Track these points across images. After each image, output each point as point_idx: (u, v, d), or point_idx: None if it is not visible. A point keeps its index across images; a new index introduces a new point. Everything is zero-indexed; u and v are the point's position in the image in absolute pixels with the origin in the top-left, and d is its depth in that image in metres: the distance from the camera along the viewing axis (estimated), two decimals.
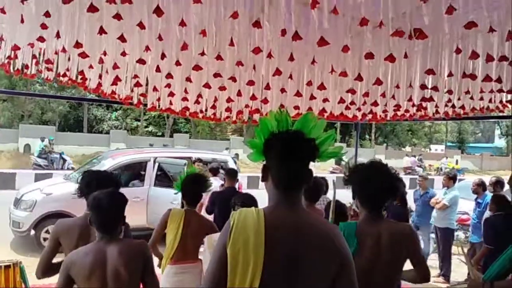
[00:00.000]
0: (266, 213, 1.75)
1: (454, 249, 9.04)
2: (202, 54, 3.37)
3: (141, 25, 2.95)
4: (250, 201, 3.76)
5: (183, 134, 30.81)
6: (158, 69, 3.71)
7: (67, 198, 8.21)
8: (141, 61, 3.33)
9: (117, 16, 2.79)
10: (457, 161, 38.75)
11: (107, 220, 2.55)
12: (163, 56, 3.42)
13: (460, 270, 8.14)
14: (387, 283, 2.56)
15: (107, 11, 2.90)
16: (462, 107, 5.00)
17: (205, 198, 6.34)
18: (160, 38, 3.08)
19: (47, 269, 2.87)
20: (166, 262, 3.56)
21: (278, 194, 1.81)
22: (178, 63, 3.73)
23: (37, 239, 8.53)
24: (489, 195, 7.63)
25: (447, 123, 47.20)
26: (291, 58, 3.29)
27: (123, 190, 2.93)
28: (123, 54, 3.32)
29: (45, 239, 8.22)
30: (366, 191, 2.58)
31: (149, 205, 8.83)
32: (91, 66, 4.00)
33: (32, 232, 8.65)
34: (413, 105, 4.42)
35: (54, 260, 2.90)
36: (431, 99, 4.41)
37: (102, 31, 2.90)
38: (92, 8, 2.66)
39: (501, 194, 6.42)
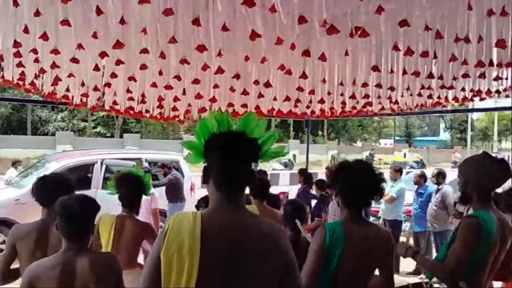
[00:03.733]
0: (204, 216, 1.71)
1: (402, 239, 9.38)
2: (143, 52, 3.26)
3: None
4: None
5: (133, 134, 30.11)
6: (96, 68, 3.56)
7: (9, 205, 7.80)
8: (75, 60, 3.19)
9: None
10: (405, 154, 40.22)
11: (78, 228, 2.31)
12: (103, 54, 3.28)
13: (408, 260, 8.41)
14: (365, 285, 2.52)
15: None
16: (406, 103, 5.16)
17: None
18: (95, 36, 2.95)
19: (5, 277, 2.72)
20: None
21: (219, 196, 1.77)
22: (119, 62, 3.60)
23: None
24: (431, 186, 7.94)
25: (395, 118, 48.95)
26: (239, 56, 3.27)
27: None
28: (55, 52, 3.14)
29: None
30: (353, 191, 2.51)
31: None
32: (20, 64, 3.77)
33: None
34: (358, 102, 4.50)
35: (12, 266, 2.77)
36: (385, 97, 4.52)
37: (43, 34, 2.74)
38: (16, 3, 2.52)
39: None
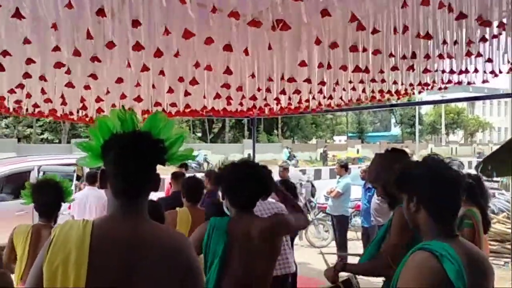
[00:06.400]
0: (96, 225, 1.54)
1: (353, 234, 9.48)
2: (55, 49, 3.02)
3: None
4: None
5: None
6: (1, 68, 3.27)
7: None
8: None
9: None
10: (358, 150, 41.10)
11: None
12: (4, 53, 3.01)
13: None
14: (262, 279, 2.50)
15: None
16: (341, 98, 5.15)
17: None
18: None
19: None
20: (18, 283, 3.18)
21: (116, 203, 1.61)
22: (30, 61, 3.33)
23: None
24: None
25: (347, 114, 49.99)
26: (158, 53, 3.09)
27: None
28: None
29: None
30: (236, 190, 2.51)
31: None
32: None
33: None
34: (290, 98, 4.44)
35: None
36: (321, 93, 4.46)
37: None
38: None
39: None
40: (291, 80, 3.61)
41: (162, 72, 3.66)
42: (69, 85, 3.57)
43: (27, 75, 3.60)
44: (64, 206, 3.99)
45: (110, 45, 2.80)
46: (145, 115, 4.93)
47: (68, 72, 3.26)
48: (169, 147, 1.66)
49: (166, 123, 1.68)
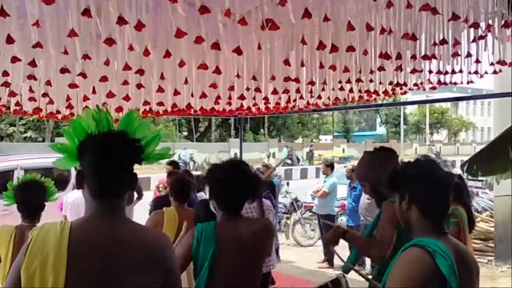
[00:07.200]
0: (74, 227, 1.53)
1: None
2: (36, 46, 2.96)
3: None
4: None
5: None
6: None
7: None
8: None
9: None
10: (343, 149, 41.35)
11: None
12: None
13: (344, 254, 8.58)
14: (251, 281, 2.50)
15: None
16: (328, 97, 5.17)
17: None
18: None
19: None
20: (2, 284, 3.12)
21: (94, 204, 1.60)
22: (16, 59, 3.27)
23: None
24: None
25: (333, 113, 50.27)
26: (146, 52, 3.06)
27: None
28: None
29: None
30: (222, 191, 2.48)
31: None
32: None
33: None
34: (280, 98, 4.44)
35: None
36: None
37: None
38: None
39: None
40: (287, 79, 3.59)
41: (141, 71, 3.61)
42: (48, 83, 3.50)
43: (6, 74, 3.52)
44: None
45: (109, 42, 2.74)
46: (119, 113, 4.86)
47: (64, 71, 3.18)
48: (145, 146, 1.66)
49: (141, 122, 1.68)
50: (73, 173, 8.52)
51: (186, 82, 3.80)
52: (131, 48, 2.81)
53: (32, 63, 3.13)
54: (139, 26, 2.54)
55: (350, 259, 3.07)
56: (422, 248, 1.68)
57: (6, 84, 3.69)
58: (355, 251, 3.22)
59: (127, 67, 3.17)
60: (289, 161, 31.03)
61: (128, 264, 1.51)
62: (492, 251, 8.38)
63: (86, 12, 2.48)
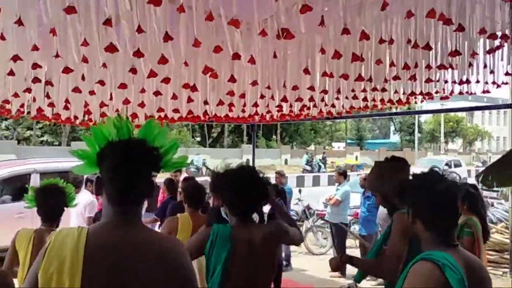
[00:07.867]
0: (91, 232, 1.57)
1: (351, 242, 9.46)
2: (57, 56, 3.04)
3: None
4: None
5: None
6: (11, 73, 3.29)
7: None
8: None
9: None
10: (356, 157, 41.07)
11: None
12: (15, 58, 3.03)
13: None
14: (263, 284, 2.52)
15: None
16: (342, 106, 5.17)
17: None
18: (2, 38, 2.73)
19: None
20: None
21: (111, 210, 1.63)
22: (36, 66, 3.36)
23: None
24: None
25: (346, 121, 50.03)
26: (163, 60, 3.11)
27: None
28: None
29: None
30: (237, 200, 2.49)
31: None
32: None
33: None
34: (291, 105, 4.46)
35: None
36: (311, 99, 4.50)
37: None
38: None
39: None
40: (295, 88, 3.62)
41: (166, 80, 3.68)
42: (76, 90, 3.58)
43: (36, 80, 3.61)
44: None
45: (112, 49, 2.79)
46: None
47: (83, 78, 3.25)
48: (163, 154, 1.70)
49: (160, 130, 1.71)
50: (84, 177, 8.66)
51: (195, 89, 3.83)
52: (164, 59, 2.83)
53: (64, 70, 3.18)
54: (166, 38, 2.58)
55: (356, 278, 3.04)
56: (431, 262, 1.66)
57: (28, 90, 3.77)
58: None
59: (152, 74, 3.21)
60: (308, 168, 30.83)
61: (144, 269, 1.54)
62: (507, 263, 8.24)
63: (108, 22, 2.54)
